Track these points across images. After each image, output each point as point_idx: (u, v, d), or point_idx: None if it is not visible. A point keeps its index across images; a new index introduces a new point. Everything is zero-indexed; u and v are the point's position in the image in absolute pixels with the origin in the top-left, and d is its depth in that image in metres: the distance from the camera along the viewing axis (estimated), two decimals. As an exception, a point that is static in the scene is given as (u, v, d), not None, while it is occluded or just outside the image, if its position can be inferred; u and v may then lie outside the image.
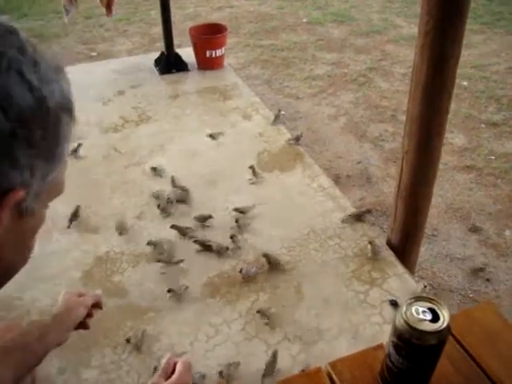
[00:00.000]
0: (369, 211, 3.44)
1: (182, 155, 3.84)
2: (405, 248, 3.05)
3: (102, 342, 2.57)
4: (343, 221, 3.24)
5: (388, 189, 4.16)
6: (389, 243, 3.12)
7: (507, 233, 3.79)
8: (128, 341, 2.53)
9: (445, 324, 0.91)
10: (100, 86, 4.94)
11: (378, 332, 2.58)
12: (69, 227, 3.25)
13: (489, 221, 3.91)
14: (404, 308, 0.94)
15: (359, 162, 4.55)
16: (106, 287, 2.87)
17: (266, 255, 2.91)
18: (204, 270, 2.94)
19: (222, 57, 5.21)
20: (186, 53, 5.19)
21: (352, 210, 3.36)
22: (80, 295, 1.58)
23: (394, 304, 2.70)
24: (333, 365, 1.11)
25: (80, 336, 2.57)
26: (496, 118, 5.08)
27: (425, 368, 0.95)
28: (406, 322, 0.92)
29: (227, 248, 3.00)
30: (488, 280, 3.45)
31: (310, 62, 6.36)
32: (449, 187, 4.24)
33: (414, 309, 0.93)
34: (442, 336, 0.91)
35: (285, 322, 2.63)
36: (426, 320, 0.92)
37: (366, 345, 2.47)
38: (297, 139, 4.06)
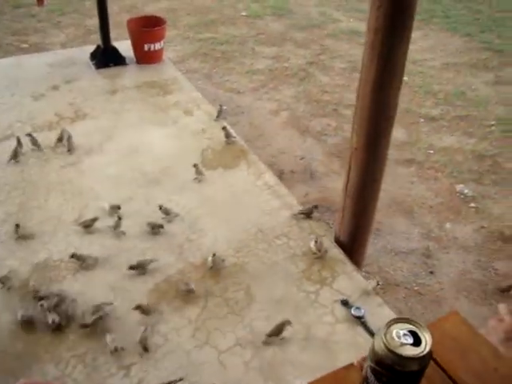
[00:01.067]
0: (316, 207, 3.40)
1: (122, 153, 3.68)
2: (353, 245, 3.04)
3: (42, 357, 2.41)
4: (293, 217, 3.20)
5: (332, 184, 4.15)
6: (337, 241, 3.11)
7: (448, 225, 3.86)
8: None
9: (427, 347, 0.85)
10: (32, 81, 4.68)
11: (331, 332, 2.54)
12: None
13: (430, 214, 3.97)
14: (383, 331, 0.88)
15: (302, 158, 4.52)
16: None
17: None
18: (149, 275, 2.82)
19: (160, 50, 5.05)
20: (124, 46, 5.00)
21: (299, 208, 3.32)
22: None
23: (346, 304, 2.69)
24: (307, 389, 1.04)
25: (18, 353, 2.44)
26: (434, 113, 5.18)
27: (406, 393, 0.90)
28: (386, 347, 0.85)
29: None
30: (431, 273, 3.49)
31: (251, 56, 6.28)
32: (391, 181, 4.26)
33: (394, 332, 0.87)
34: (425, 360, 0.86)
35: (236, 326, 2.56)
36: (407, 344, 0.86)
37: (318, 346, 2.47)
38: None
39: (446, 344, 1.09)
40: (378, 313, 2.66)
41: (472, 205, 4.03)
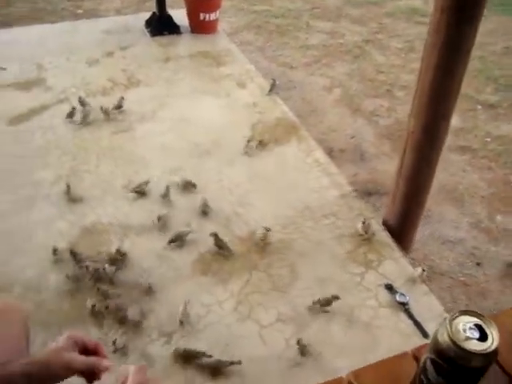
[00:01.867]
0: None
1: (174, 123, 3.68)
2: (402, 230, 2.98)
3: (86, 318, 2.46)
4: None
5: (382, 166, 4.06)
6: (385, 224, 3.05)
7: (499, 217, 3.73)
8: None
9: (494, 344, 0.81)
10: (87, 46, 4.73)
11: (373, 316, 2.51)
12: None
13: (481, 204, 3.85)
14: (448, 322, 0.84)
15: (353, 137, 4.44)
16: (91, 259, 2.75)
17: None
18: (195, 245, 2.83)
19: (215, 21, 5.01)
20: (179, 14, 4.98)
21: (348, 188, 3.26)
22: (83, 347, 1.25)
23: (390, 289, 2.64)
24: (356, 374, 1.02)
25: (64, 312, 2.50)
26: (493, 100, 4.99)
27: (465, 389, 0.86)
28: (450, 340, 0.82)
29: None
30: (478, 264, 3.40)
31: (305, 31, 6.17)
32: (443, 168, 4.13)
33: (460, 324, 0.84)
34: (491, 357, 0.82)
35: (278, 302, 2.55)
36: (473, 338, 0.82)
37: (360, 329, 2.45)
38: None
39: (505, 339, 1.04)
40: (423, 301, 2.61)
41: (526, 197, 3.90)
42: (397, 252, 2.85)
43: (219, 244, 2.74)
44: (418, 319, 2.49)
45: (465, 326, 0.83)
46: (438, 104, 2.46)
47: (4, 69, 4.44)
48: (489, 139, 4.48)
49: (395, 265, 2.77)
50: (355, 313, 2.52)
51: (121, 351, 2.29)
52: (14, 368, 1.10)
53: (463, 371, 0.83)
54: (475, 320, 0.85)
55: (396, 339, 2.40)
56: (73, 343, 1.19)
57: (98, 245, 2.84)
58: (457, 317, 0.85)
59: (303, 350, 2.31)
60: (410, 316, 2.52)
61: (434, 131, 2.57)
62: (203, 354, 2.25)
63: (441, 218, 3.70)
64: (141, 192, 3.14)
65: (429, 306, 2.56)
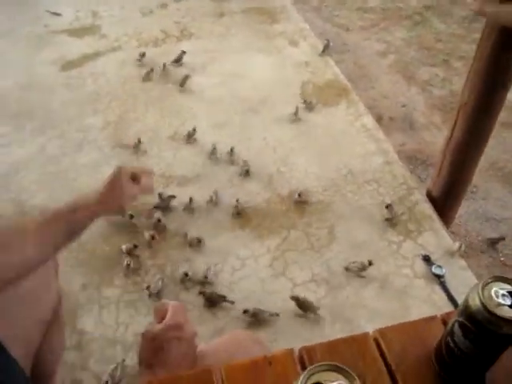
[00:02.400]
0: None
1: (224, 77, 3.66)
2: (445, 203, 2.92)
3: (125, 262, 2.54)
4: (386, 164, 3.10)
5: (430, 137, 3.97)
6: (429, 196, 2.99)
7: (549, 199, 3.61)
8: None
9: (526, 312, 0.80)
10: (142, -4, 4.73)
11: (407, 285, 2.49)
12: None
13: (532, 185, 3.73)
14: (480, 287, 0.83)
15: (404, 106, 4.34)
16: (132, 206, 2.80)
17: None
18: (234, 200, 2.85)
19: (273, -24, 4.90)
20: (236, -32, 4.89)
21: (394, 156, 3.21)
22: (133, 177, 1.38)
23: (427, 260, 2.61)
24: (382, 332, 1.02)
25: (103, 255, 2.58)
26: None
27: (492, 356, 0.85)
28: (482, 304, 0.81)
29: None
30: (521, 245, 3.32)
31: (364, -8, 5.99)
32: (494, 144, 4.00)
33: (493, 290, 0.82)
34: (522, 325, 0.81)
35: (314, 263, 2.56)
36: (505, 305, 0.81)
37: (392, 296, 2.44)
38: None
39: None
40: (459, 275, 2.56)
41: None
42: (437, 224, 2.80)
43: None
44: (453, 293, 2.46)
45: (497, 292, 0.82)
46: (495, 74, 2.36)
47: (59, 14, 4.49)
48: (546, 117, 4.30)
49: (435, 237, 2.73)
50: (389, 280, 2.51)
51: (155, 296, 2.35)
52: (90, 199, 1.32)
53: (492, 337, 0.82)
54: (508, 287, 0.83)
55: (427, 310, 2.38)
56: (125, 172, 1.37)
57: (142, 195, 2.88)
58: (490, 282, 0.84)
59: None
60: (445, 289, 2.49)
61: (488, 103, 2.48)
62: (224, 299, 2.32)
63: (487, 195, 3.60)
64: (189, 141, 3.19)
65: (465, 281, 2.52)
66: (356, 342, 1.02)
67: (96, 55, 3.97)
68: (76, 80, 3.74)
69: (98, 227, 2.70)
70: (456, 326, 0.87)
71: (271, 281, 2.46)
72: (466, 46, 5.03)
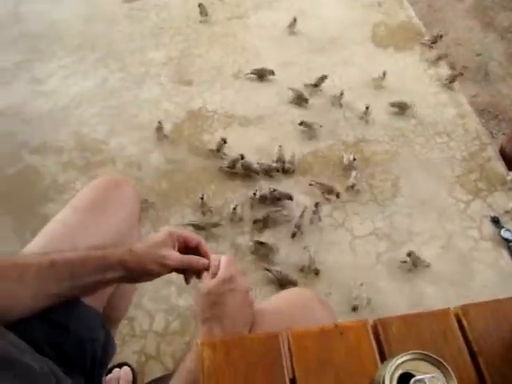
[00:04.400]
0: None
1: (291, 14, 3.46)
2: (519, 162, 2.74)
3: (183, 201, 2.51)
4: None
5: (507, 90, 3.71)
6: (502, 153, 2.81)
7: None
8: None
9: None
10: None
11: (473, 248, 2.37)
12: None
13: None
14: None
15: (479, 54, 4.06)
16: (194, 145, 2.76)
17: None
18: (299, 146, 2.76)
19: None
20: None
21: (468, 108, 3.02)
22: (183, 244, 1.21)
23: (496, 222, 2.47)
24: (464, 309, 0.94)
25: (162, 193, 2.56)
26: None
27: None
28: None
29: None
30: None
31: None
32: None
33: None
34: None
35: (376, 216, 2.47)
36: None
37: (456, 258, 2.33)
38: (433, 41, 3.57)
39: None
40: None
41: None
42: (510, 184, 2.64)
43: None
44: (521, 260, 2.34)
45: None
46: None
47: None
48: None
49: (506, 198, 2.57)
50: (453, 240, 2.40)
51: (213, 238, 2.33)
52: (113, 254, 1.10)
53: None
54: None
55: (493, 276, 2.27)
56: (172, 239, 1.17)
57: (201, 131, 2.83)
58: None
59: (415, 262, 2.26)
60: (513, 254, 2.36)
61: None
62: (271, 249, 2.26)
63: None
64: (263, 76, 3.10)
65: (535, 248, 2.38)
66: (436, 318, 0.93)
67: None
68: (139, 12, 3.64)
69: (156, 163, 2.67)
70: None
71: (330, 231, 2.39)
72: (553, -10, 4.65)
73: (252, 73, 3.10)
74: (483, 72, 3.90)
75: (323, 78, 2.99)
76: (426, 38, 3.44)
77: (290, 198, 2.43)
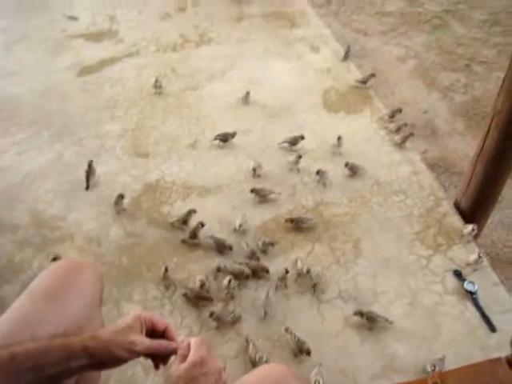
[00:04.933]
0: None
1: (243, 83, 3.57)
2: (474, 215, 2.82)
3: (145, 276, 2.46)
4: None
5: (454, 145, 3.87)
6: (457, 207, 2.89)
7: None
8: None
9: None
10: (160, 0, 4.66)
11: (438, 302, 2.39)
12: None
13: (559, 194, 3.62)
14: None
15: (425, 112, 4.24)
16: (153, 217, 2.74)
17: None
18: (259, 212, 2.77)
19: (292, -20, 4.84)
20: (254, -28, 4.83)
21: (421, 165, 3.11)
22: (151, 327, 1.16)
23: (458, 275, 2.51)
24: (442, 377, 0.94)
25: (123, 267, 2.51)
26: None
27: None
28: None
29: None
30: (552, 258, 3.20)
31: (382, -4, 5.90)
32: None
33: None
34: None
35: (340, 278, 2.47)
36: None
37: (423, 314, 2.34)
38: (364, 81, 3.74)
39: None
40: (492, 291, 2.46)
41: None
42: (468, 237, 2.69)
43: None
44: (486, 311, 2.36)
45: None
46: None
47: (76, 18, 4.44)
48: None
49: (465, 251, 2.62)
50: (418, 297, 2.41)
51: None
52: (77, 342, 1.05)
53: None
54: None
55: (460, 329, 2.28)
56: (140, 323, 1.12)
57: (160, 203, 2.82)
58: None
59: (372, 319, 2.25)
60: (478, 306, 2.38)
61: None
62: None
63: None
64: (226, 140, 3.15)
65: (497, 298, 2.42)
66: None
67: (113, 60, 3.92)
68: (93, 85, 3.68)
69: (115, 238, 2.63)
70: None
71: (297, 298, 2.37)
72: (487, 50, 4.93)
73: (216, 138, 3.14)
74: (431, 129, 4.06)
75: (297, 139, 3.07)
76: (385, 111, 3.54)
77: (267, 271, 2.42)
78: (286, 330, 2.17)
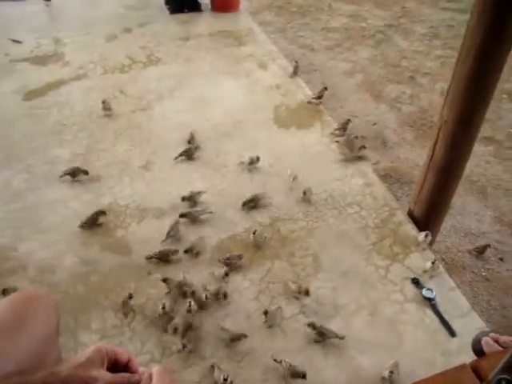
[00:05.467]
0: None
1: (193, 102, 3.57)
2: (427, 222, 2.88)
3: (103, 303, 2.39)
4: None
5: (404, 154, 3.96)
6: (410, 215, 2.94)
7: (524, 211, 3.62)
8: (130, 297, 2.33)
9: None
10: (105, 22, 4.62)
11: (398, 311, 2.41)
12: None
13: (505, 197, 3.74)
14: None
15: (375, 124, 4.33)
16: (108, 243, 2.67)
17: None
18: (215, 231, 2.74)
19: (237, -2, 4.88)
20: (200, -9, 4.85)
21: (373, 177, 3.16)
22: (113, 360, 1.19)
23: (416, 283, 2.54)
24: (411, 388, 0.92)
25: (79, 296, 2.43)
26: (519, 89, 4.84)
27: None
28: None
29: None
30: (501, 259, 3.30)
31: (327, 13, 6.03)
32: (466, 158, 4.03)
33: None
34: None
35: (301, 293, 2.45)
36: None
37: (384, 324, 2.35)
38: (319, 97, 3.79)
39: None
40: (449, 296, 2.50)
41: (552, 192, 3.77)
42: (423, 245, 2.74)
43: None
44: (445, 316, 2.40)
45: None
46: (476, 91, 2.34)
47: (20, 42, 4.34)
48: (514, 130, 4.35)
49: (421, 258, 2.66)
50: (379, 307, 2.43)
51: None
52: (33, 380, 1.00)
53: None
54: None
55: (421, 336, 2.31)
56: (101, 356, 1.08)
57: (114, 227, 2.76)
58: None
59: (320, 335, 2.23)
60: (437, 312, 2.42)
61: (468, 121, 2.45)
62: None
63: (463, 210, 3.59)
64: (191, 155, 3.15)
65: (455, 303, 2.46)
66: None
67: (60, 83, 3.84)
68: (40, 110, 3.60)
69: (70, 266, 2.55)
70: (503, 384, 0.78)
71: (258, 315, 2.34)
72: (429, 62, 5.09)
73: (181, 154, 3.12)
74: (380, 140, 4.14)
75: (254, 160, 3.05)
76: (335, 126, 3.58)
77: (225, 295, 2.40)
78: (275, 360, 2.14)
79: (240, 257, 2.53)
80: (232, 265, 2.52)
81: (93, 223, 2.67)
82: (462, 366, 0.97)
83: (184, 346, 2.16)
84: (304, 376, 2.08)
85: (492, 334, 1.11)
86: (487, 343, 1.11)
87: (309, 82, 4.37)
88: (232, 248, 2.65)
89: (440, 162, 2.64)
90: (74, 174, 3.00)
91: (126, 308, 2.32)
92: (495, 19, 2.12)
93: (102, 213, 2.73)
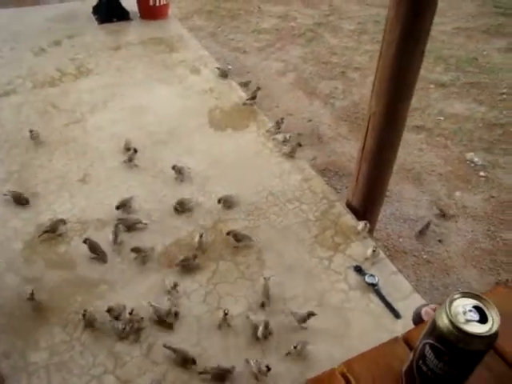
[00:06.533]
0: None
1: (127, 112, 3.55)
2: (366, 211, 2.97)
3: (50, 320, 2.35)
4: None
5: (340, 148, 4.06)
6: (349, 206, 3.03)
7: (457, 194, 3.78)
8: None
9: (495, 326, 0.78)
10: (32, 35, 4.52)
11: (344, 300, 2.49)
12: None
13: (439, 182, 3.89)
14: (447, 306, 0.80)
15: (310, 120, 4.41)
16: (51, 259, 2.63)
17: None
18: (159, 237, 2.74)
19: (166, 6, 4.87)
20: (128, 0, 4.81)
21: (310, 171, 3.23)
22: None
23: (359, 270, 2.63)
24: (348, 365, 0.97)
25: (25, 315, 2.38)
26: (444, 79, 5.04)
27: (466, 373, 0.83)
28: (451, 323, 0.78)
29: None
30: (440, 241, 3.43)
31: (256, 15, 6.10)
32: (400, 147, 4.17)
33: (460, 307, 0.80)
34: (492, 339, 0.78)
35: (247, 291, 2.49)
36: (473, 321, 0.78)
37: (332, 313, 2.42)
38: (253, 97, 3.84)
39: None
40: (392, 280, 2.60)
41: (482, 174, 3.94)
42: (363, 233, 2.83)
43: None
44: (389, 299, 2.49)
45: (464, 308, 0.80)
46: (398, 82, 2.44)
47: None
48: (442, 118, 4.53)
49: (362, 246, 2.75)
50: (325, 297, 2.49)
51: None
52: None
53: (465, 355, 0.79)
54: (473, 302, 0.81)
55: (368, 321, 2.39)
56: None
57: (56, 243, 2.71)
58: (455, 299, 0.82)
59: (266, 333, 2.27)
60: (381, 296, 2.51)
61: (395, 111, 2.55)
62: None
63: (400, 197, 3.72)
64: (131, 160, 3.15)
65: (397, 286, 2.56)
66: (325, 382, 0.95)
67: (-12, 101, 3.74)
68: (-33, 130, 3.49)
69: (13, 286, 2.50)
70: (427, 348, 0.83)
71: (207, 317, 2.36)
72: (359, 57, 5.23)
73: (125, 161, 3.15)
74: (316, 136, 4.23)
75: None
76: (271, 125, 3.63)
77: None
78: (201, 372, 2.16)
79: (195, 256, 2.56)
80: (190, 266, 2.54)
81: (53, 232, 2.65)
82: (395, 339, 1.02)
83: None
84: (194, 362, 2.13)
85: (431, 305, 1.18)
86: (427, 313, 1.18)
87: (243, 85, 4.41)
88: (178, 254, 2.66)
89: (371, 153, 2.73)
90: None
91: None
92: (412, 10, 2.22)
93: (61, 221, 2.68)
